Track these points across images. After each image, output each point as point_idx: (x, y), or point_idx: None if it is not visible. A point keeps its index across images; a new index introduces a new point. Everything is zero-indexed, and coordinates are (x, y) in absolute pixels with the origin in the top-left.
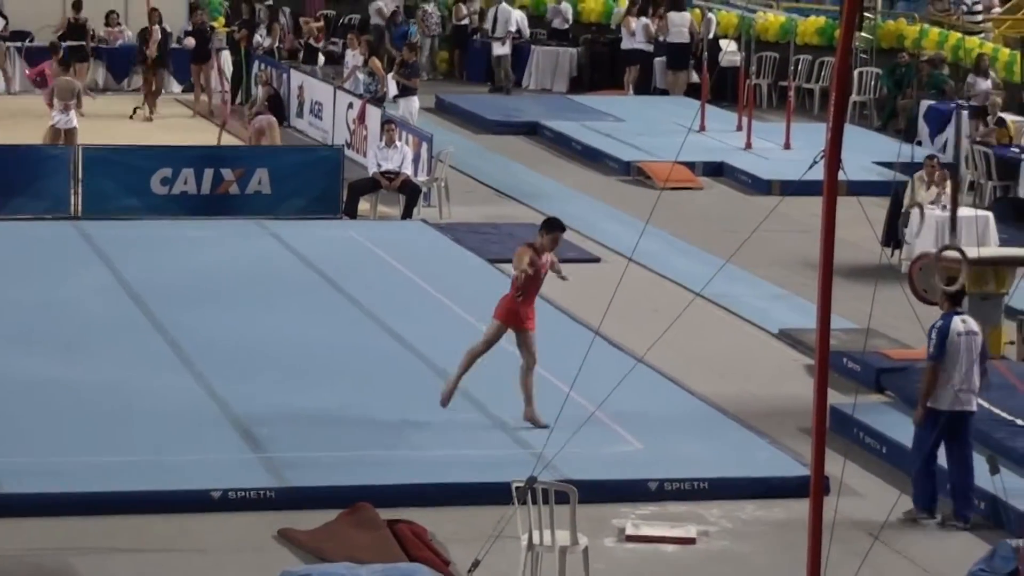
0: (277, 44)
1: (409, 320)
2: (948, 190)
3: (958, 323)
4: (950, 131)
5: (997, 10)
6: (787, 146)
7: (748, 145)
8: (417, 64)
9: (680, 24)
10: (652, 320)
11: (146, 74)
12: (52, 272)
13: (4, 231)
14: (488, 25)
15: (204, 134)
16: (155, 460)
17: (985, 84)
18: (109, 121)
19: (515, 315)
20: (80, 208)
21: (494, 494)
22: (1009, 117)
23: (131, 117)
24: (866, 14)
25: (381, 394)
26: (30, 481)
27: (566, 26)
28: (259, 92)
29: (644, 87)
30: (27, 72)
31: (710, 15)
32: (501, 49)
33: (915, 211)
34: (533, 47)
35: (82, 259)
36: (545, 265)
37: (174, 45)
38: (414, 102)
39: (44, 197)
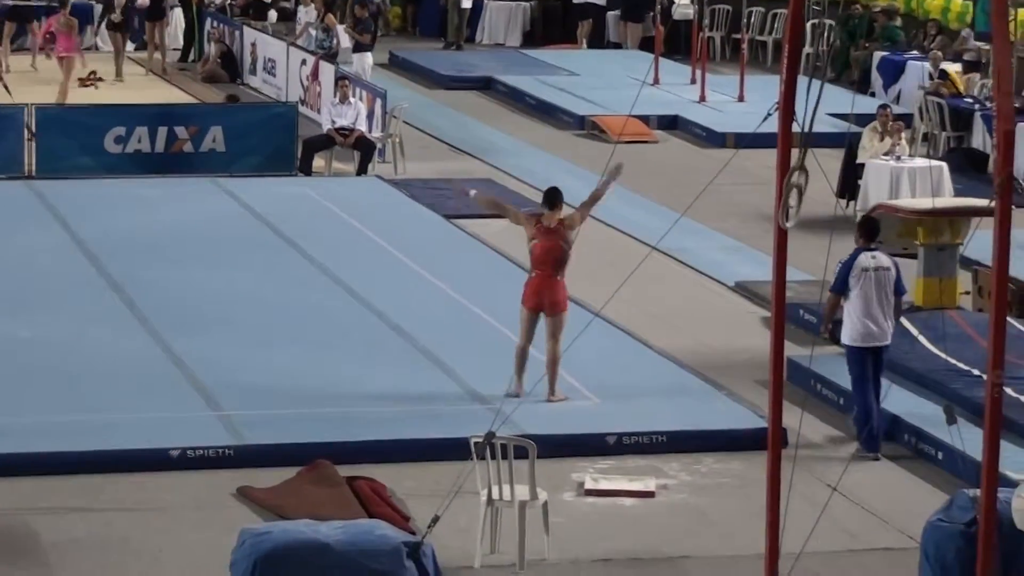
0: (229, 1)
1: (365, 276)
2: (903, 140)
3: (866, 259)
4: (903, 82)
5: None
6: (741, 99)
7: (702, 98)
8: (370, 20)
9: None
10: (608, 274)
11: (114, 38)
12: (6, 231)
13: None
14: None
15: (158, 92)
16: (112, 419)
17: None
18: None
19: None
20: (33, 167)
21: (453, 450)
22: (952, 67)
23: (93, 85)
24: None
25: (338, 351)
26: None
27: None
28: (211, 49)
29: (597, 41)
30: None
31: None
32: (467, 3)
33: (870, 162)
34: (486, 2)
35: (36, 218)
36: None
37: None
38: (367, 58)
39: None
